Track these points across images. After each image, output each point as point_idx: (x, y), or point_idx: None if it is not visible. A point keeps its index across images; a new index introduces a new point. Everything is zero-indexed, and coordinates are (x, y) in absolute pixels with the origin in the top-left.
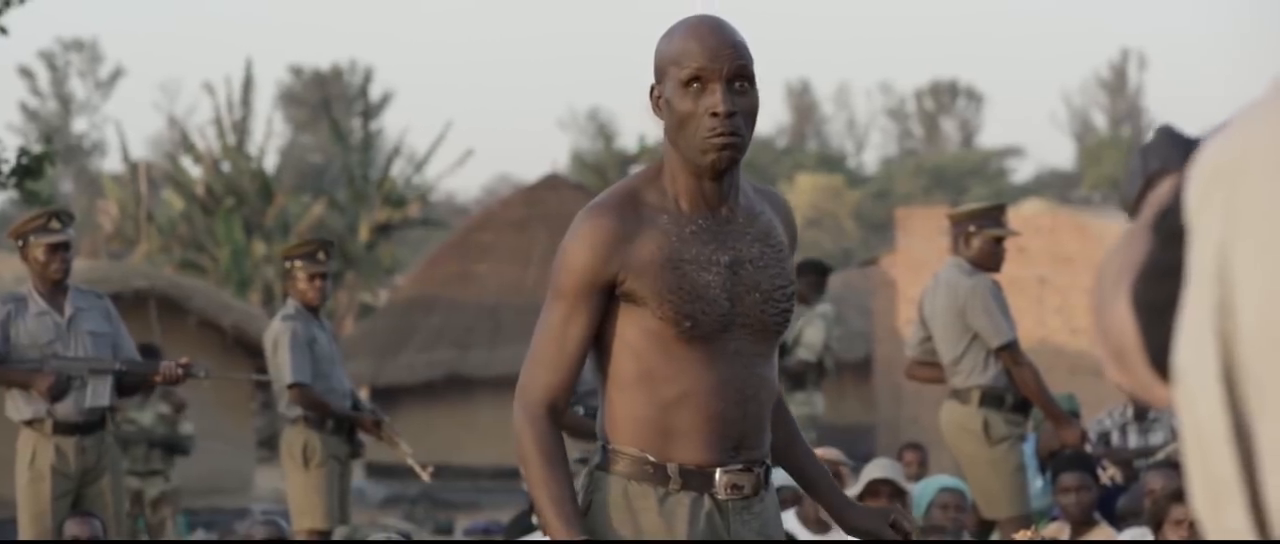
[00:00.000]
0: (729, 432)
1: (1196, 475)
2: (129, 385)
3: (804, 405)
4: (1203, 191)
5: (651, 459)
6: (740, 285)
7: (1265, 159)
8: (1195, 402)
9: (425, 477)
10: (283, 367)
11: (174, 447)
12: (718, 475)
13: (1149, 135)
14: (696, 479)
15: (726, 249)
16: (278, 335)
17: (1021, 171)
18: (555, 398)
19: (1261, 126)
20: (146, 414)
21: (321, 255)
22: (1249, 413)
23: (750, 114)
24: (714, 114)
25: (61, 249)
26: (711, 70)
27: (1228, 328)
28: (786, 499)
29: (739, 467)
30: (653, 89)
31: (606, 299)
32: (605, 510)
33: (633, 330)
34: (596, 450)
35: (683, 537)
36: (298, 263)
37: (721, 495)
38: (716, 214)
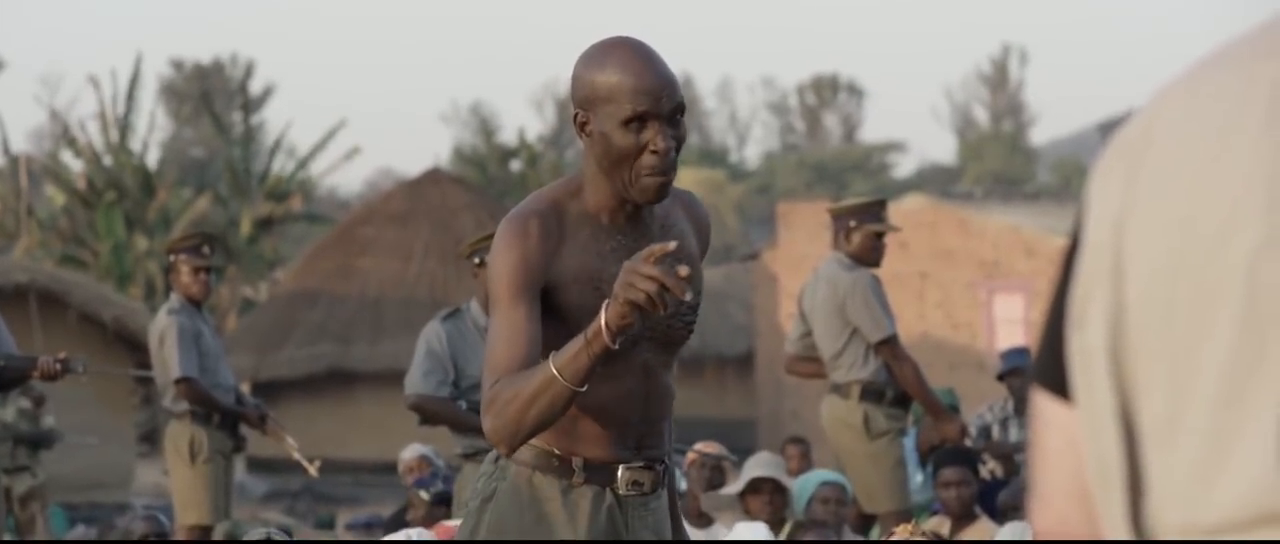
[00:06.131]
0: (631, 433)
1: (1089, 457)
2: (7, 381)
3: None
4: (1106, 164)
5: (557, 452)
6: None
7: (1168, 135)
8: (1089, 377)
9: (313, 471)
10: (169, 361)
11: (38, 441)
12: (620, 471)
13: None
14: (599, 474)
15: None
16: (164, 329)
17: (903, 166)
18: (517, 369)
19: (1167, 105)
20: (8, 410)
21: (206, 249)
22: (1134, 388)
23: (682, 143)
24: (655, 152)
25: None
26: (655, 112)
27: (1118, 301)
28: None
29: (640, 464)
30: (577, 115)
31: (540, 298)
32: (509, 499)
33: (547, 336)
34: None
35: (584, 527)
36: (182, 257)
37: (622, 490)
38: (635, 227)
